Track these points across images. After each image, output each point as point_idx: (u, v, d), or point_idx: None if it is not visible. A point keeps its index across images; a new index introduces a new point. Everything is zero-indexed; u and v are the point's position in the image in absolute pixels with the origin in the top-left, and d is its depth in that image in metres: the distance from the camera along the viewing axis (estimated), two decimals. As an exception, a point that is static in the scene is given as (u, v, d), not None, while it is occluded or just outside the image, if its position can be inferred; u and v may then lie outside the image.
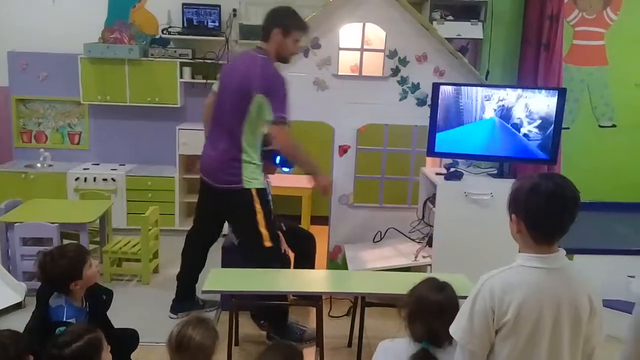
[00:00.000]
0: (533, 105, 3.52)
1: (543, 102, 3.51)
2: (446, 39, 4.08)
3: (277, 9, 3.25)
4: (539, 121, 3.53)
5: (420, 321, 2.01)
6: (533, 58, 4.60)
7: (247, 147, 3.20)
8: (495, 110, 3.59)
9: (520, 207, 1.69)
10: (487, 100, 3.59)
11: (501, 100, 3.57)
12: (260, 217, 3.21)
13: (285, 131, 3.12)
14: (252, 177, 3.22)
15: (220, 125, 3.28)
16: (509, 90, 3.60)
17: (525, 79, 4.67)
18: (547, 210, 1.64)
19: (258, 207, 3.21)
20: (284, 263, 3.46)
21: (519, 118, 3.56)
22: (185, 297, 3.66)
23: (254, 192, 3.20)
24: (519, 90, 3.59)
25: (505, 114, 3.58)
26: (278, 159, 3.58)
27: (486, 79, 4.56)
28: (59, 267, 2.52)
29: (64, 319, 2.49)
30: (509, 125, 3.57)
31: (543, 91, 3.58)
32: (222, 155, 3.23)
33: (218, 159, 3.25)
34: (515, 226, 1.71)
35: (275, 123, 3.09)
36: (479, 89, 3.67)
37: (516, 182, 1.77)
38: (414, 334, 2.02)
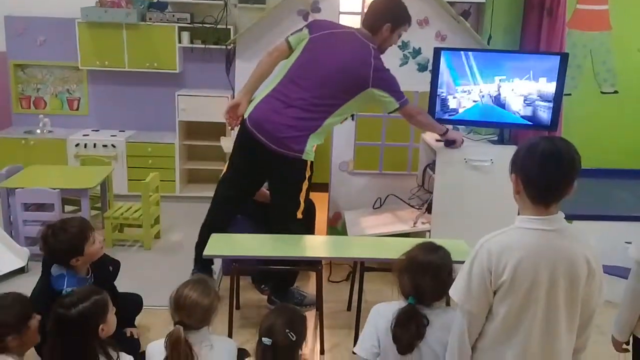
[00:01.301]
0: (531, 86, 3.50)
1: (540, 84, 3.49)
2: (448, 2, 4.02)
3: (390, 2, 3.26)
4: (538, 90, 3.50)
5: (408, 277, 2.06)
6: (536, 23, 4.54)
7: (326, 126, 3.19)
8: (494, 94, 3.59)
9: (518, 166, 1.71)
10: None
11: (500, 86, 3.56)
12: (305, 187, 3.23)
13: (412, 108, 3.36)
14: (312, 150, 3.20)
15: (305, 91, 3.11)
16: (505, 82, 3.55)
17: (528, 44, 4.62)
18: (541, 169, 1.66)
19: (307, 179, 3.22)
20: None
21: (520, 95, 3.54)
22: (204, 267, 3.47)
23: (308, 164, 3.20)
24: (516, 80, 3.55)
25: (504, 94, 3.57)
26: None
27: (488, 44, 4.51)
28: (60, 243, 2.53)
29: (64, 288, 2.50)
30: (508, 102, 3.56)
31: (541, 75, 3.51)
32: (296, 123, 3.08)
33: (288, 125, 3.08)
34: (515, 186, 1.73)
35: (402, 107, 3.26)
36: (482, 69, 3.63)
37: (519, 145, 1.79)
38: (402, 289, 2.08)
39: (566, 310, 1.69)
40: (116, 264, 2.86)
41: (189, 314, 2.12)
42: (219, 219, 3.38)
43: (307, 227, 3.70)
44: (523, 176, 1.69)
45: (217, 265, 3.73)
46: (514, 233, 1.71)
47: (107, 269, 2.78)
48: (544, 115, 3.54)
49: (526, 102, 3.56)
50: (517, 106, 3.58)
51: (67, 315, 2.02)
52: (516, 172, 1.72)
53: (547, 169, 1.65)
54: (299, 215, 3.25)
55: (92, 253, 2.62)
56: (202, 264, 3.38)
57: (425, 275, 2.04)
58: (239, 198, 3.41)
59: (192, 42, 5.14)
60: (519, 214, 1.76)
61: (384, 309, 2.12)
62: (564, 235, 1.69)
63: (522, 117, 3.58)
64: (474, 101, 3.63)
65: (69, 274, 2.57)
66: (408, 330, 1.99)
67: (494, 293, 1.70)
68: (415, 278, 2.04)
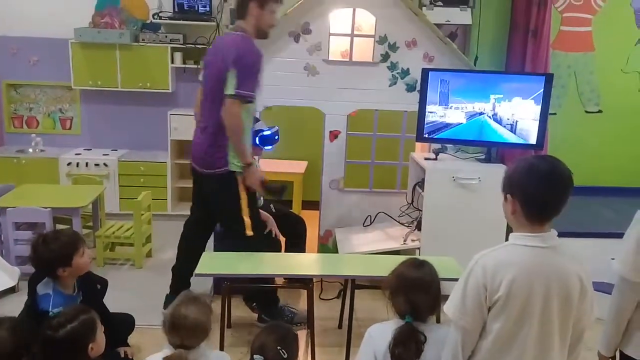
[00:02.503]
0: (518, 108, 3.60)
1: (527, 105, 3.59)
2: (435, 24, 4.12)
3: None
4: (524, 109, 3.59)
5: (402, 296, 2.05)
6: (521, 44, 4.64)
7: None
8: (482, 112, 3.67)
9: (517, 187, 1.72)
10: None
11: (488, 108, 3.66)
12: (244, 203, 3.22)
13: (236, 107, 3.05)
14: (237, 160, 3.18)
15: (207, 111, 3.24)
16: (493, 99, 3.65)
17: (513, 65, 4.71)
18: (545, 189, 1.67)
19: (242, 192, 3.21)
20: (275, 247, 3.53)
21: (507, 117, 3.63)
22: (178, 291, 3.58)
23: (238, 177, 3.18)
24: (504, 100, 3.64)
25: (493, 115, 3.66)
26: (257, 140, 3.63)
27: (475, 65, 4.60)
28: (49, 251, 2.53)
29: (50, 309, 2.48)
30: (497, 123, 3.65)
31: (526, 95, 3.60)
32: (209, 139, 3.19)
33: (205, 143, 3.22)
34: (510, 207, 1.73)
35: (232, 97, 3.03)
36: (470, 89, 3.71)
37: (511, 165, 1.80)
38: (397, 309, 2.08)
39: (559, 327, 1.71)
40: (104, 282, 2.85)
41: (189, 334, 2.09)
42: (190, 244, 3.51)
43: (293, 245, 3.73)
44: (522, 196, 1.70)
45: (208, 284, 3.75)
46: (509, 250, 1.73)
47: (94, 286, 2.78)
48: (530, 134, 3.62)
49: (512, 121, 3.64)
50: (503, 125, 3.66)
51: (55, 337, 2.01)
52: (512, 192, 1.73)
53: (549, 189, 1.67)
54: (249, 233, 3.23)
55: (80, 265, 2.61)
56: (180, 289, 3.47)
57: (418, 291, 2.04)
58: (204, 223, 3.52)
59: (184, 63, 5.19)
60: (510, 232, 1.77)
61: (379, 330, 2.11)
62: (558, 252, 1.71)
63: (509, 135, 3.66)
64: (462, 121, 3.71)
65: (55, 292, 2.56)
66: (408, 349, 1.99)
67: (489, 309, 1.71)
68: (409, 296, 2.04)
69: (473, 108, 3.68)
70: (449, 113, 3.72)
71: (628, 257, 2.00)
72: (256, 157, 3.80)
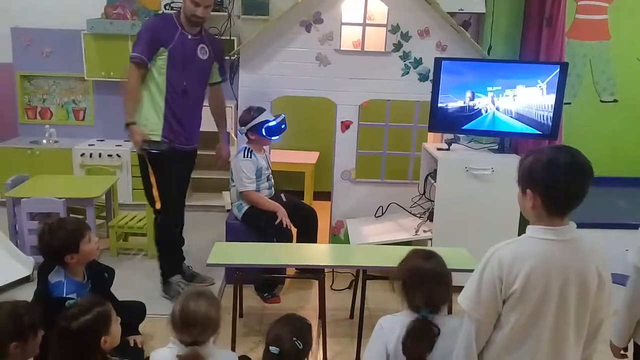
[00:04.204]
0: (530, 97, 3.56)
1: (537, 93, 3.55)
2: (448, 13, 4.07)
3: None
4: (538, 99, 3.54)
5: (419, 290, 2.03)
6: (536, 33, 4.57)
7: (143, 104, 3.38)
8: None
9: (537, 181, 1.67)
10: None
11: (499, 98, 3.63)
12: (153, 181, 3.37)
13: (129, 70, 3.32)
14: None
15: None
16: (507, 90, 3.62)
17: (528, 54, 4.65)
18: (568, 182, 1.63)
19: (150, 168, 3.37)
20: (285, 237, 3.53)
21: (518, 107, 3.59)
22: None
23: (146, 156, 3.36)
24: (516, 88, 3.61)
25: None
26: (263, 131, 3.66)
27: (488, 54, 4.54)
28: (56, 239, 2.56)
29: (64, 295, 2.52)
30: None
31: (538, 82, 3.56)
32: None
33: None
34: (530, 201, 1.69)
35: (130, 59, 3.31)
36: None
37: (528, 158, 1.73)
38: (413, 303, 2.05)
39: (575, 321, 1.69)
40: (111, 271, 2.88)
41: (200, 330, 2.05)
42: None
43: (304, 236, 3.75)
44: (544, 190, 1.66)
45: (220, 274, 3.77)
46: (526, 242, 1.70)
47: (102, 275, 2.81)
48: (545, 123, 3.58)
49: (526, 111, 3.60)
50: (517, 115, 3.62)
51: (69, 327, 2.03)
52: (532, 186, 1.68)
53: (572, 181, 1.63)
54: (157, 207, 3.41)
55: (87, 252, 2.64)
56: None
57: (432, 283, 2.03)
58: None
59: (196, 53, 5.18)
60: (523, 223, 1.76)
61: (390, 322, 2.09)
62: (576, 245, 1.69)
63: (523, 125, 3.62)
64: (475, 110, 3.68)
65: (67, 279, 2.60)
66: (421, 342, 1.98)
67: (504, 302, 1.69)
68: (424, 288, 2.02)
69: (486, 98, 3.64)
70: (460, 103, 3.68)
71: None
72: (265, 147, 3.82)
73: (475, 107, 3.68)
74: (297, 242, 3.71)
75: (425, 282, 2.04)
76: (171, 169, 3.39)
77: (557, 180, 1.64)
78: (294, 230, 3.75)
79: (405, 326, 2.01)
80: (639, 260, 1.99)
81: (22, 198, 3.89)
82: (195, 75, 3.43)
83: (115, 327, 2.17)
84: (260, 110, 3.71)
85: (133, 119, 3.34)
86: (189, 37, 3.37)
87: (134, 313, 2.97)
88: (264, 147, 3.84)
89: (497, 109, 3.64)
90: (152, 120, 3.36)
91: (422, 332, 1.99)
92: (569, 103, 4.81)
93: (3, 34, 5.26)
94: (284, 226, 3.56)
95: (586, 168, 1.65)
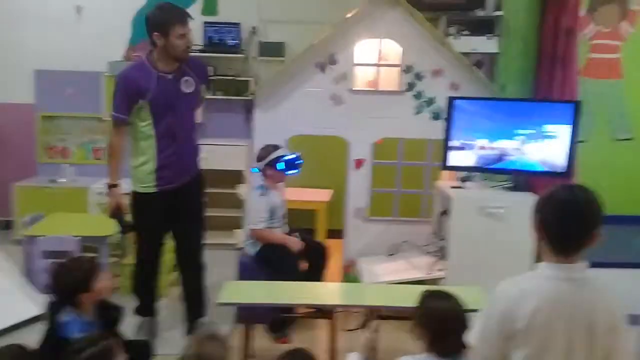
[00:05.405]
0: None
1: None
2: (462, 53, 4.11)
3: (149, 13, 3.14)
4: (553, 137, 3.53)
5: (450, 335, 1.99)
6: (549, 72, 4.57)
7: (132, 152, 3.31)
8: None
9: (540, 217, 1.69)
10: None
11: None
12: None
13: (118, 133, 3.26)
14: (136, 182, 3.32)
15: None
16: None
17: (541, 93, 4.65)
18: (559, 219, 1.64)
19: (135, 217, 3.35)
20: (298, 274, 3.50)
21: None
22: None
23: (133, 201, 3.33)
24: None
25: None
26: (280, 165, 3.66)
27: (502, 93, 4.55)
28: (70, 278, 2.56)
29: (73, 334, 2.49)
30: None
31: (555, 123, 3.56)
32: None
33: None
34: (537, 234, 1.71)
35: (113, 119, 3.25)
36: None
37: (542, 194, 1.76)
38: (443, 349, 1.99)
39: None
40: (119, 310, 2.87)
41: None
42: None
43: (314, 272, 3.71)
44: (542, 226, 1.68)
45: (230, 313, 3.73)
46: (534, 280, 1.69)
47: (111, 314, 2.80)
48: (559, 162, 3.55)
49: (541, 149, 3.58)
50: (532, 153, 3.60)
51: (77, 359, 2.02)
52: (536, 223, 1.71)
53: (565, 219, 1.63)
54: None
55: (100, 290, 2.64)
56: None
57: (459, 327, 2.00)
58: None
59: (214, 94, 5.28)
60: (536, 261, 1.74)
61: None
62: (586, 286, 1.66)
63: (537, 164, 3.59)
64: (489, 149, 3.66)
65: (76, 319, 2.58)
66: None
67: (511, 339, 1.66)
68: (459, 335, 1.98)
69: (500, 136, 3.63)
70: (473, 142, 3.67)
71: None
72: (280, 184, 3.83)
73: (490, 146, 3.65)
74: (306, 278, 3.67)
75: (452, 326, 2.00)
76: (149, 212, 3.30)
77: (550, 216, 1.66)
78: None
79: None
80: None
81: (38, 236, 3.93)
82: (183, 115, 3.26)
83: None
84: (277, 147, 3.74)
85: (114, 180, 3.26)
86: (169, 77, 3.17)
87: (139, 352, 2.93)
88: (280, 184, 3.84)
89: (512, 146, 3.62)
90: (143, 172, 3.26)
91: None
92: (584, 141, 4.77)
93: (27, 75, 5.42)
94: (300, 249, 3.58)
95: (583, 209, 1.63)
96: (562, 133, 3.53)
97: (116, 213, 3.25)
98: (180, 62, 3.17)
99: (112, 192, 3.24)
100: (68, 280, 2.58)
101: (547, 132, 3.56)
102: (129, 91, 3.13)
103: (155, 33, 3.08)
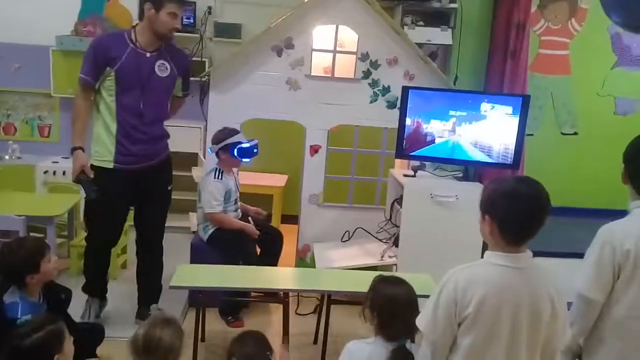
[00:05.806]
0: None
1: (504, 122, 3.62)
2: (416, 44, 4.17)
3: None
4: (501, 130, 3.63)
5: (398, 319, 2.05)
6: (500, 65, 4.72)
7: (93, 123, 3.25)
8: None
9: (496, 210, 1.73)
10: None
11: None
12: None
13: (80, 95, 3.19)
14: (94, 154, 3.25)
15: None
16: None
17: (492, 86, 4.79)
18: (525, 215, 1.69)
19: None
20: (251, 259, 3.52)
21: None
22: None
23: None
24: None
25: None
26: (235, 152, 3.65)
27: (454, 85, 4.66)
28: (17, 259, 2.51)
29: (19, 316, 2.47)
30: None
31: (504, 116, 3.64)
32: None
33: None
34: (488, 227, 1.75)
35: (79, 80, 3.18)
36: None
37: (490, 185, 1.79)
38: (392, 333, 2.05)
39: (527, 348, 1.72)
40: (68, 292, 2.82)
41: (162, 358, 2.00)
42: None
43: (269, 258, 3.74)
44: (501, 219, 1.72)
45: (183, 297, 3.71)
46: (482, 268, 1.75)
47: (59, 296, 2.75)
48: (507, 154, 3.67)
49: (489, 141, 3.68)
50: (480, 145, 3.70)
51: (21, 346, 1.98)
52: (491, 213, 1.74)
53: (530, 214, 1.69)
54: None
55: (47, 271, 2.60)
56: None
57: (409, 310, 2.04)
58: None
59: (166, 73, 5.17)
60: (486, 250, 1.80)
61: (358, 347, 2.09)
62: (531, 274, 1.73)
63: (485, 155, 3.70)
64: (439, 139, 3.75)
65: (22, 300, 2.54)
66: None
67: (459, 325, 1.73)
68: (406, 318, 2.00)
69: (451, 127, 3.72)
70: (426, 132, 3.75)
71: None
72: (234, 169, 3.82)
73: (441, 136, 3.74)
74: (259, 263, 3.69)
75: (402, 311, 2.05)
76: (107, 189, 3.16)
77: (514, 211, 1.70)
78: (258, 251, 3.74)
79: (381, 356, 2.02)
80: (584, 288, 2.02)
81: (-20, 215, 3.78)
82: (153, 96, 3.20)
83: (69, 346, 2.12)
84: (235, 132, 3.72)
85: (78, 143, 3.14)
86: (147, 55, 3.13)
87: (91, 335, 2.90)
88: (233, 168, 3.84)
89: (462, 138, 3.71)
90: (102, 145, 3.19)
91: None
92: (531, 134, 4.96)
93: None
94: (257, 237, 3.57)
95: (544, 201, 1.71)
96: (510, 126, 3.62)
97: (81, 177, 3.13)
98: (162, 40, 3.16)
99: (76, 155, 3.13)
100: (14, 260, 2.52)
101: (481, 113, 3.63)
102: (98, 56, 3.11)
103: (148, 3, 3.08)
